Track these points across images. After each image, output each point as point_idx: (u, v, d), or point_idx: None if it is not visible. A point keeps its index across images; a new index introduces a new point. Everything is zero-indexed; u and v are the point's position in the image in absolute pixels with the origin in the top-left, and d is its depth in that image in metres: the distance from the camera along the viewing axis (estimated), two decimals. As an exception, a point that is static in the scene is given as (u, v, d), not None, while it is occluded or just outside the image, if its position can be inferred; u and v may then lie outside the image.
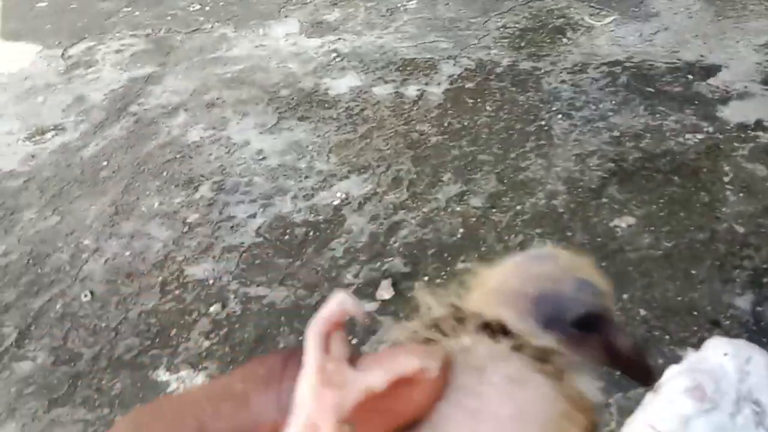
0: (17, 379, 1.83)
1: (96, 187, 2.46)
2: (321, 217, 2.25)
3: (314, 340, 0.38)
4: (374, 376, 0.36)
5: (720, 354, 1.29)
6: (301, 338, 1.90)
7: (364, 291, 1.93)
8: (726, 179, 2.10)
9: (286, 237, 2.21)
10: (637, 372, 0.47)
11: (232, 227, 2.28)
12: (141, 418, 0.38)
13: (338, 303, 0.39)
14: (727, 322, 1.63)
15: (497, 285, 0.44)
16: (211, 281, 2.05)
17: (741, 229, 1.91)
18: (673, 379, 1.26)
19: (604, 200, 2.11)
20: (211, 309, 1.96)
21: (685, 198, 2.06)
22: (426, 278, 1.95)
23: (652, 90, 2.53)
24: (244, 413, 0.36)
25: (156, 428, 0.36)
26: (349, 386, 0.35)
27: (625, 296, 1.77)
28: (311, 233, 2.20)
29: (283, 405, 0.36)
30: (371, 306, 1.88)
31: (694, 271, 1.81)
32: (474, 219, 2.16)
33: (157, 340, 1.89)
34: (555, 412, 0.38)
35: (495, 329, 0.41)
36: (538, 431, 0.38)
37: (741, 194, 2.03)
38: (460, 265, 1.97)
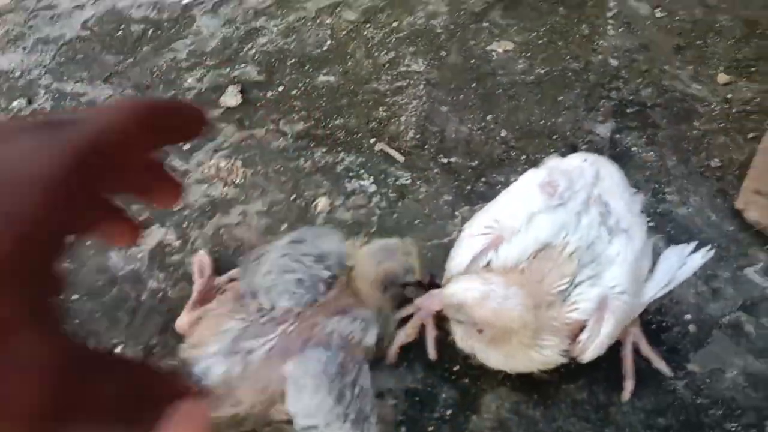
0: None
1: None
2: (165, 15, 1.91)
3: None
4: None
5: (580, 159, 1.22)
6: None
7: (207, 96, 1.67)
8: (609, 14, 1.99)
9: (120, 33, 1.86)
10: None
11: (52, 17, 1.88)
12: None
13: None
14: (585, 147, 1.57)
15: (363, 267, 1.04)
16: (17, 73, 1.69)
17: (614, 62, 1.83)
18: (529, 174, 1.18)
19: (485, 24, 1.94)
20: (14, 104, 1.62)
21: (567, 28, 1.93)
22: (281, 88, 1.72)
23: None
24: None
25: None
26: None
27: (489, 117, 1.66)
28: (151, 32, 1.86)
29: None
30: (213, 113, 1.63)
31: (561, 98, 1.72)
32: (345, 32, 1.91)
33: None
34: None
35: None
36: None
37: (621, 29, 1.93)
38: (321, 78, 1.76)
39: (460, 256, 1.12)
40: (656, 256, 1.19)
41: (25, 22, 1.85)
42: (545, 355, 1.05)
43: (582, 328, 1.05)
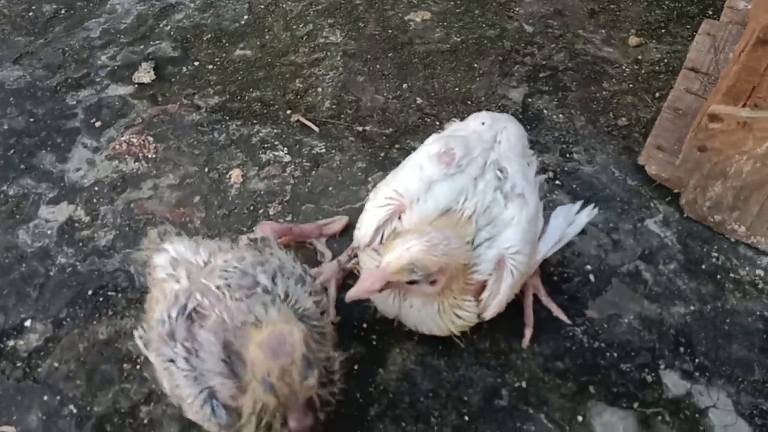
0: None
1: None
2: (78, -6, 1.87)
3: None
4: None
5: (479, 123, 1.25)
6: (32, 120, 1.62)
7: (120, 74, 1.66)
8: (526, -18, 2.03)
9: (30, 14, 1.82)
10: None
11: (-42, -1, 1.82)
12: None
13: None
14: (497, 111, 1.61)
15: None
16: None
17: (530, 29, 1.87)
18: (427, 145, 1.21)
19: (404, -5, 1.96)
20: None
21: (484, -3, 1.97)
22: (197, 63, 1.71)
23: None
24: None
25: None
26: None
27: (405, 86, 1.69)
28: (63, 11, 1.83)
29: None
30: (126, 89, 1.62)
31: (476, 65, 1.75)
32: (263, 6, 1.91)
33: None
34: None
35: None
36: None
37: (537, -4, 1.97)
38: (238, 53, 1.75)
39: (365, 226, 1.14)
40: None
41: (-71, 5, 1.80)
42: (466, 314, 1.09)
43: (483, 288, 1.10)
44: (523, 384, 1.16)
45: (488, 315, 1.09)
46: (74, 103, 1.57)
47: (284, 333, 0.87)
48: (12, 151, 1.46)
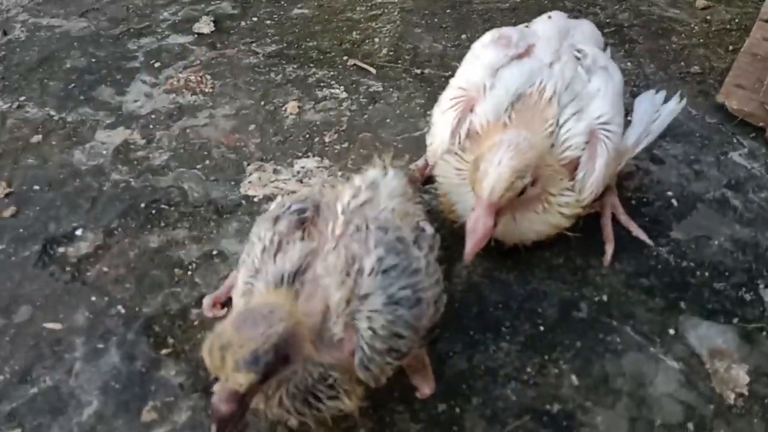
0: None
1: None
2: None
3: None
4: None
5: (544, 17, 1.20)
6: (94, 61, 1.64)
7: (181, 26, 1.67)
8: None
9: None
10: None
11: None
12: None
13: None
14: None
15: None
16: (-6, 12, 1.71)
17: (592, -8, 1.83)
18: (479, 40, 1.16)
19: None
20: (-11, 35, 1.63)
21: (543, -36, 1.94)
22: (255, 19, 1.72)
23: None
24: None
25: None
26: None
27: (464, 36, 1.65)
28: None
29: None
30: (186, 38, 1.63)
31: (537, 20, 1.70)
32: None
33: None
34: None
35: None
36: None
37: (597, -37, 1.93)
38: (296, 11, 1.76)
39: (439, 135, 1.08)
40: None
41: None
42: (569, 200, 1.00)
43: (576, 167, 1.01)
44: (604, 298, 1.05)
45: (586, 197, 1.00)
46: (135, 48, 1.59)
47: (267, 316, 0.71)
48: (73, 85, 1.47)
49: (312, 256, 0.82)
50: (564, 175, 1.00)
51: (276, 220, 0.86)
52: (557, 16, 1.18)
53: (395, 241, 0.83)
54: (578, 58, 1.08)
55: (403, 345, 0.80)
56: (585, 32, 1.16)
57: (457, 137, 1.05)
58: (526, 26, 1.21)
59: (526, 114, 1.01)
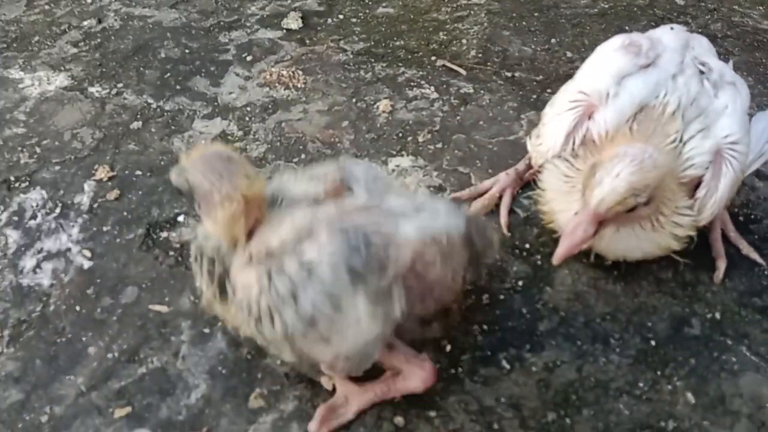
0: None
1: None
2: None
3: None
4: None
5: (666, 28, 1.17)
6: (187, 51, 1.66)
7: (269, 21, 1.69)
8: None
9: (187, -29, 1.91)
10: None
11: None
12: None
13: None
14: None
15: None
16: (89, 0, 1.75)
17: (680, 1, 1.79)
18: (606, 43, 1.14)
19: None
20: (85, 23, 1.67)
21: (630, -28, 1.90)
22: (341, 17, 1.72)
23: None
24: None
25: None
26: None
27: (553, 41, 1.63)
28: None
29: None
30: (275, 34, 1.64)
31: (627, 28, 1.67)
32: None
33: (15, 45, 1.60)
34: None
35: None
36: None
37: (687, -28, 1.89)
38: (380, 10, 1.76)
39: (552, 138, 1.05)
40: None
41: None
42: (685, 220, 0.97)
43: (698, 186, 0.98)
44: (717, 315, 1.02)
45: (705, 217, 0.97)
46: (226, 41, 1.61)
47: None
48: (168, 75, 1.50)
49: None
50: (682, 194, 0.97)
51: None
52: (678, 29, 1.15)
53: None
54: (702, 72, 1.05)
55: None
56: (704, 46, 1.13)
57: (571, 142, 1.03)
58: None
59: (648, 126, 0.99)
